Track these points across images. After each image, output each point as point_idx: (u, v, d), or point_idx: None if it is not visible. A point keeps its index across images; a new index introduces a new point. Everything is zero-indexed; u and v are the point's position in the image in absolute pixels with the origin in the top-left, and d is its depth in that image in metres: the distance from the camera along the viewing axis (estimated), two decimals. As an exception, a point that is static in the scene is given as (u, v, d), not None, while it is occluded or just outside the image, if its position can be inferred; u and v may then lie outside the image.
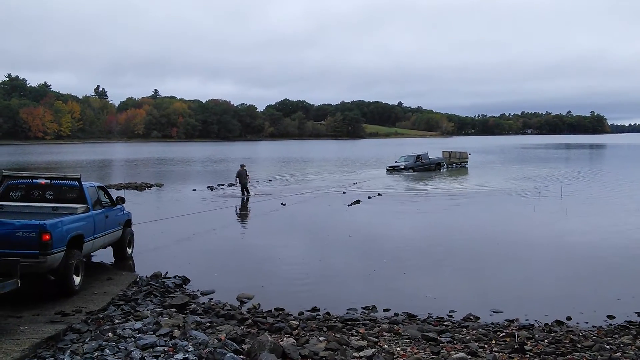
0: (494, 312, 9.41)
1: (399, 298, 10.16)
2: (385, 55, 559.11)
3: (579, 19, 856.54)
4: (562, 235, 16.44)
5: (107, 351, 6.63)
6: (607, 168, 47.25)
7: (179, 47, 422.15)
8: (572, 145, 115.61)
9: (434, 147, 69.08)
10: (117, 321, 8.05)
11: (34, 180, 11.19)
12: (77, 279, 9.57)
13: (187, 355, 6.51)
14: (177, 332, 7.43)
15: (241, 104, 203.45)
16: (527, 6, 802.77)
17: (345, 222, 19.07)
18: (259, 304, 9.67)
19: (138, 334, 7.34)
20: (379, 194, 26.73)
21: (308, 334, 7.90)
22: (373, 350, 7.20)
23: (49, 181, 11.13)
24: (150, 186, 32.26)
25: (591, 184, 32.05)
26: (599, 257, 13.57)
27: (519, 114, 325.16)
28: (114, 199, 12.28)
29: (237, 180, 27.07)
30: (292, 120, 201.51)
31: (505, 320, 8.98)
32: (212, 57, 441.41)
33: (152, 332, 7.41)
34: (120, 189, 29.27)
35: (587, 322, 8.90)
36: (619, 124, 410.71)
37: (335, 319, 8.85)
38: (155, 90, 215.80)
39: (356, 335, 7.95)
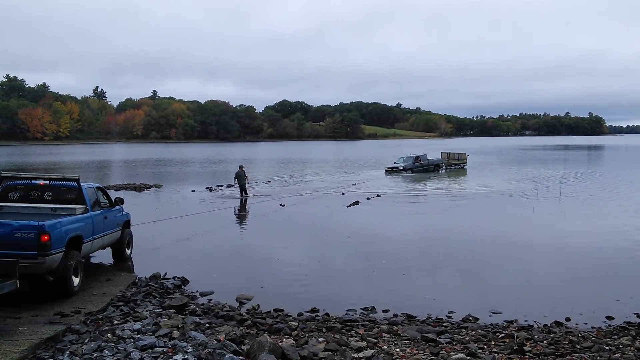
0: (493, 313, 9.42)
1: (398, 299, 10.17)
2: (385, 55, 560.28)
3: (579, 19, 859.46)
4: (561, 236, 16.46)
5: (106, 352, 6.62)
6: (605, 169, 47.32)
7: (179, 47, 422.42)
8: (571, 147, 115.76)
9: (432, 148, 69.16)
10: (116, 322, 8.04)
11: (33, 181, 11.18)
12: (76, 280, 9.56)
13: (186, 356, 6.50)
14: (176, 333, 7.42)
15: (240, 105, 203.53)
16: (527, 6, 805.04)
17: (344, 223, 19.07)
18: (258, 305, 9.66)
19: (137, 334, 7.34)
20: (378, 195, 26.74)
21: (307, 335, 7.90)
22: (372, 351, 7.20)
23: (47, 182, 11.11)
24: (149, 187, 32.24)
25: (590, 185, 32.09)
26: (598, 258, 13.60)
27: (518, 115, 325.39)
28: (113, 200, 12.27)
29: (236, 182, 27.07)
30: (291, 121, 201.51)
31: (505, 321, 8.99)
32: (212, 57, 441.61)
33: (151, 333, 7.40)
34: (119, 190, 29.22)
35: (586, 323, 8.91)
36: (617, 126, 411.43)
37: (334, 320, 8.85)
38: (154, 91, 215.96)
39: (355, 336, 7.95)
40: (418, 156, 45.03)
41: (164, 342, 7.03)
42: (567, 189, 29.49)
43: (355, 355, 7.06)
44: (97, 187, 11.97)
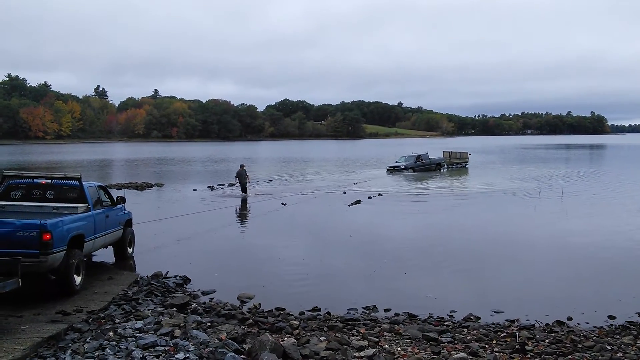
0: (495, 312, 9.41)
1: (400, 298, 10.16)
2: (385, 55, 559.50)
3: (579, 19, 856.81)
4: (563, 235, 16.44)
5: (108, 350, 6.63)
6: (607, 168, 47.25)
7: (179, 47, 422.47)
8: (572, 146, 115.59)
9: (434, 147, 69.09)
10: (118, 321, 8.05)
11: (35, 180, 11.19)
12: (77, 279, 9.58)
13: (187, 355, 6.51)
14: (177, 332, 7.43)
15: (241, 104, 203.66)
16: (527, 6, 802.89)
17: (346, 222, 19.07)
18: (260, 304, 9.67)
19: (139, 333, 7.35)
20: (380, 194, 26.72)
21: (309, 334, 7.90)
22: (374, 350, 7.20)
23: (49, 181, 11.13)
24: (151, 186, 32.27)
25: (592, 184, 32.03)
26: (600, 257, 13.57)
27: (519, 114, 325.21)
28: (115, 199, 12.28)
29: (237, 180, 27.08)
30: (292, 120, 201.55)
31: (506, 320, 8.98)
32: (212, 57, 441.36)
33: (153, 332, 7.41)
34: (121, 189, 29.26)
35: (588, 323, 8.90)
36: (619, 125, 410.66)
37: (336, 319, 8.85)
38: (156, 90, 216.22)
39: (357, 335, 7.95)
40: (420, 155, 45.00)
41: (166, 340, 7.04)
42: (569, 188, 29.44)
43: (357, 354, 7.06)
44: (98, 186, 11.98)
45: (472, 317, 9.09)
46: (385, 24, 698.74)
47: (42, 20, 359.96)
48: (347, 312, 9.31)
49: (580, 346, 7.59)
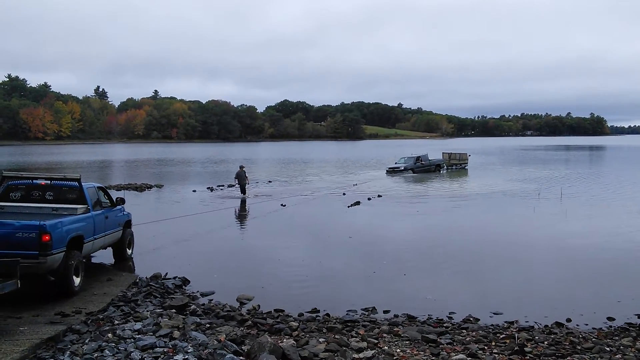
0: (494, 313, 9.42)
1: (399, 299, 10.16)
2: (385, 55, 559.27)
3: (579, 19, 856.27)
4: (562, 237, 16.44)
5: (107, 352, 6.62)
6: (607, 170, 47.26)
7: (179, 47, 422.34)
8: (572, 147, 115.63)
9: (433, 148, 69.10)
10: (116, 322, 8.05)
11: (34, 181, 11.20)
12: (77, 280, 9.57)
13: (186, 356, 6.50)
14: (176, 333, 7.43)
15: (241, 105, 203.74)
16: (527, 6, 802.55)
17: (345, 224, 19.07)
18: (259, 305, 9.67)
19: (138, 334, 7.34)
20: (379, 195, 26.73)
21: (308, 335, 7.90)
22: (373, 351, 7.20)
23: (48, 182, 11.13)
24: (150, 187, 32.27)
25: (592, 185, 32.04)
26: (599, 259, 13.58)
27: (519, 115, 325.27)
28: (114, 200, 12.28)
29: (237, 182, 27.09)
30: (292, 121, 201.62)
31: (505, 322, 8.98)
32: (212, 57, 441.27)
33: (151, 333, 7.41)
34: (120, 190, 29.26)
35: (587, 324, 8.90)
36: (618, 126, 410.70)
37: (335, 320, 8.85)
38: (156, 90, 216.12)
39: (356, 337, 7.95)
40: (419, 156, 45.03)
41: (165, 342, 7.04)
42: (569, 189, 29.45)
43: (356, 355, 7.06)
44: (98, 187, 11.98)
45: (471, 319, 9.09)
46: (385, 24, 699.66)
47: (42, 20, 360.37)
48: (346, 314, 9.31)
49: (579, 348, 7.59)
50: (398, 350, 7.44)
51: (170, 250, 14.61)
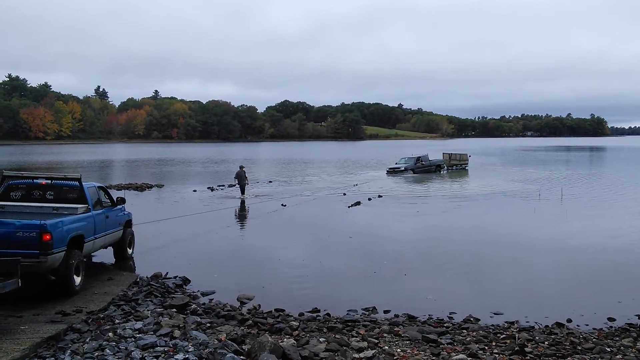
0: (495, 314, 9.41)
1: (399, 299, 10.16)
2: (385, 55, 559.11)
3: (579, 20, 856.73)
4: (563, 237, 16.44)
5: (108, 351, 6.63)
6: (608, 171, 47.26)
7: (179, 47, 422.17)
8: (573, 148, 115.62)
9: (434, 149, 69.13)
10: (117, 321, 8.05)
11: (35, 181, 11.20)
12: (77, 279, 9.58)
13: (187, 356, 6.51)
14: (177, 333, 7.43)
15: (241, 105, 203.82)
16: (527, 6, 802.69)
17: (346, 224, 19.07)
18: (260, 305, 9.67)
19: (138, 334, 7.35)
20: (380, 196, 26.73)
21: (308, 335, 7.90)
22: (373, 351, 7.20)
23: (49, 181, 11.13)
24: (151, 187, 32.28)
25: (593, 186, 32.03)
26: (600, 259, 13.58)
27: (519, 116, 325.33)
28: (115, 200, 12.29)
29: (236, 182, 27.09)
30: (292, 121, 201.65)
31: (506, 322, 8.98)
32: (212, 57, 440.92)
33: (152, 332, 7.41)
34: (121, 190, 29.25)
35: (587, 325, 8.90)
36: (618, 127, 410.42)
37: (335, 320, 8.85)
38: (156, 91, 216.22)
39: (356, 337, 7.95)
40: (420, 157, 45.04)
41: (165, 341, 7.04)
42: (570, 190, 29.44)
43: (356, 355, 7.06)
44: (98, 187, 11.98)
45: (471, 319, 9.09)
46: (385, 25, 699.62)
47: (42, 20, 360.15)
48: (347, 314, 9.31)
49: (579, 348, 7.59)
50: (398, 350, 7.45)
51: (171, 250, 14.62)
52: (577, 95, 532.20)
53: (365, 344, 7.52)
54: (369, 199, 25.38)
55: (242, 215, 22.48)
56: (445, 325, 8.76)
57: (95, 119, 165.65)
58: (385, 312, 9.49)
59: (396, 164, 45.01)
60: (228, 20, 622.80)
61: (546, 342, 7.81)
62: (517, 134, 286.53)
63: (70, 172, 14.75)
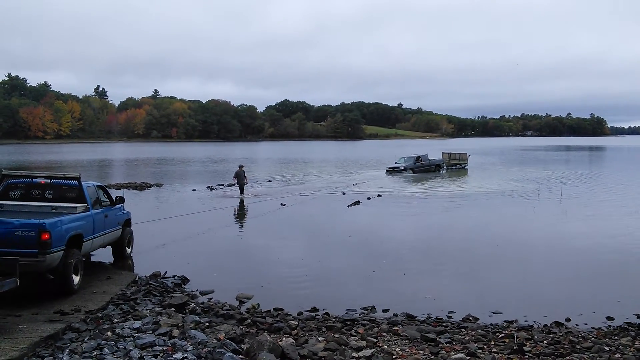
0: (493, 313, 9.42)
1: (398, 299, 10.16)
2: (385, 55, 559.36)
3: (579, 20, 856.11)
4: (562, 237, 16.45)
5: (106, 350, 6.62)
6: (607, 170, 47.27)
7: (179, 47, 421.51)
8: (572, 148, 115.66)
9: (433, 148, 69.05)
10: (116, 320, 8.05)
11: (34, 180, 11.19)
12: (76, 278, 9.57)
13: (186, 355, 6.50)
14: (176, 332, 7.43)
15: (241, 105, 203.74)
16: (527, 6, 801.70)
17: (345, 223, 19.07)
18: (258, 304, 9.66)
19: (137, 333, 7.35)
20: (379, 195, 26.73)
21: (307, 334, 7.90)
22: (372, 350, 7.20)
23: (48, 180, 11.12)
24: (150, 186, 32.26)
25: (593, 186, 32.03)
26: (599, 259, 13.58)
27: (519, 115, 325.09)
28: (114, 199, 12.28)
29: (236, 181, 27.09)
30: (292, 121, 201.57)
31: (505, 321, 8.99)
32: (212, 57, 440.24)
33: (151, 332, 7.41)
34: (120, 189, 29.24)
35: (586, 324, 8.91)
36: (618, 127, 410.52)
37: (334, 319, 8.85)
38: (156, 90, 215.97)
39: (355, 336, 7.95)
40: (419, 156, 45.04)
41: (164, 340, 7.04)
42: (569, 190, 29.45)
43: (355, 354, 7.06)
44: (98, 186, 11.97)
45: (470, 318, 9.10)
46: (385, 25, 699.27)
47: (42, 20, 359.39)
48: (346, 313, 9.31)
49: (578, 347, 7.60)
50: (397, 349, 7.45)
51: (170, 249, 14.62)
52: (577, 95, 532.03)
53: (364, 343, 7.52)
54: (369, 199, 25.38)
55: (241, 214, 22.47)
56: (444, 324, 8.77)
57: (94, 118, 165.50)
58: (384, 311, 9.49)
59: (396, 163, 45.00)
60: (228, 20, 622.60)
61: (545, 341, 7.82)
62: (516, 133, 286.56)
63: (69, 172, 14.75)
